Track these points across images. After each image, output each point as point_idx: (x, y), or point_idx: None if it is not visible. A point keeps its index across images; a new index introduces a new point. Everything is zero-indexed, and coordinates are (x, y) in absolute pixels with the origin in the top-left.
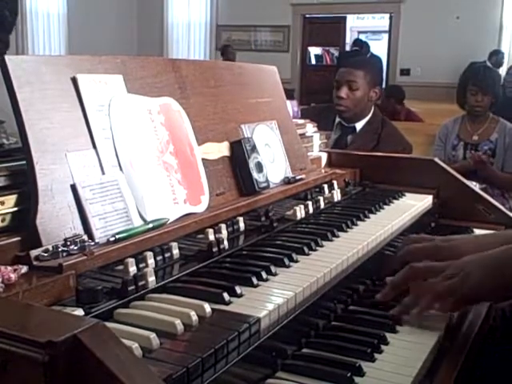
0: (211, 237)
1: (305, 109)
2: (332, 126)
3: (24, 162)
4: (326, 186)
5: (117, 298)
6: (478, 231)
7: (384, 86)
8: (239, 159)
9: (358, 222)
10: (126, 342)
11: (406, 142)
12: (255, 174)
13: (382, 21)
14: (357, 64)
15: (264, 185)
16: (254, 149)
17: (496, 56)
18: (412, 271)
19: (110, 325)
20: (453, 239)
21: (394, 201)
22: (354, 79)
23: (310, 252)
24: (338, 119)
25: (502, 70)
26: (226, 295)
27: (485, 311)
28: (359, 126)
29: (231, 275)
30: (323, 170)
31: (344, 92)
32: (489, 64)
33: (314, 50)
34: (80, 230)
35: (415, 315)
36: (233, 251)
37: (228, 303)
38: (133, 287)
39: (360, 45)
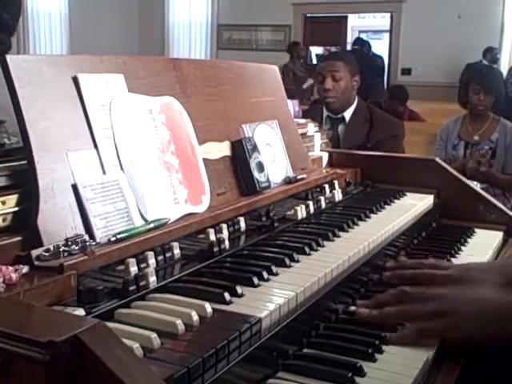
0: (212, 237)
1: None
2: (320, 122)
3: (25, 162)
4: (327, 186)
5: (118, 298)
6: (479, 231)
7: (386, 86)
8: (240, 159)
9: (359, 222)
10: (126, 342)
11: (398, 122)
12: (256, 174)
13: (383, 20)
14: (336, 56)
15: (265, 184)
16: (254, 148)
17: (490, 53)
18: (400, 294)
19: (110, 325)
20: (470, 268)
21: (395, 201)
22: (336, 69)
23: (311, 252)
24: (325, 113)
25: (503, 68)
26: (226, 295)
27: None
28: (348, 115)
29: (232, 275)
30: (324, 170)
31: (329, 83)
32: (485, 62)
33: (315, 50)
34: (81, 229)
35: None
36: (234, 251)
37: (229, 303)
38: (134, 287)
39: (361, 44)
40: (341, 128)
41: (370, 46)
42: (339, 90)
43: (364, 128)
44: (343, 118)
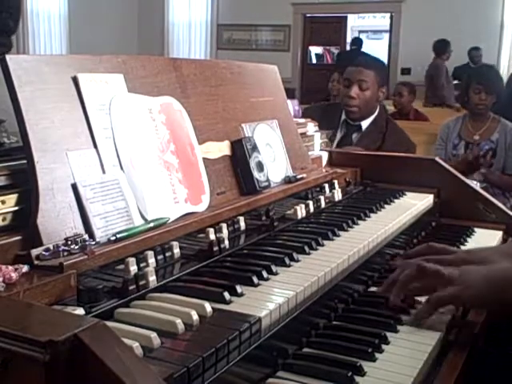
0: (212, 236)
1: (308, 108)
2: (337, 123)
3: (25, 162)
4: (326, 186)
5: (117, 298)
6: (479, 230)
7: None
8: (240, 158)
9: (359, 222)
10: (126, 341)
11: (411, 143)
12: (256, 174)
13: (382, 20)
14: (368, 64)
15: (265, 184)
16: (254, 148)
17: (470, 54)
18: (420, 269)
19: (110, 324)
20: (474, 251)
21: (395, 200)
22: (364, 79)
23: (311, 251)
24: (343, 117)
25: (503, 68)
26: (226, 294)
27: (486, 311)
28: (365, 124)
29: (232, 274)
30: (324, 170)
31: (354, 91)
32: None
33: (315, 50)
34: (81, 229)
35: (417, 316)
36: (233, 250)
37: (229, 302)
38: (133, 286)
39: (359, 44)
40: (355, 136)
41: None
42: (363, 100)
43: (376, 142)
44: (360, 126)
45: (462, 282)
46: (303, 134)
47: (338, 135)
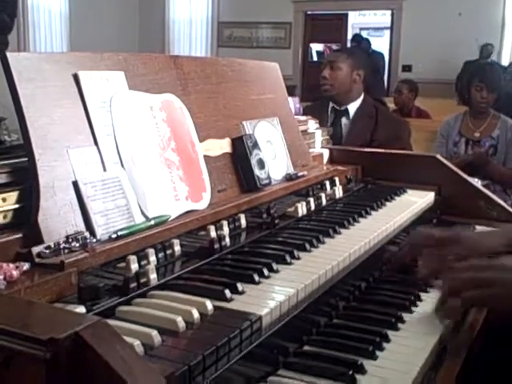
0: (213, 234)
1: (306, 107)
2: (326, 114)
3: (25, 159)
4: (327, 183)
5: (118, 296)
6: (479, 228)
7: (386, 83)
8: (241, 156)
9: (360, 219)
10: (127, 339)
11: (404, 122)
12: (257, 171)
13: (383, 17)
14: (341, 49)
15: (266, 181)
16: (255, 145)
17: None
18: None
19: (111, 322)
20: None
21: (396, 197)
22: (334, 59)
23: (312, 249)
24: (330, 105)
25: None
26: (227, 292)
27: (486, 309)
28: (352, 109)
29: (233, 272)
30: (325, 167)
31: (326, 72)
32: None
33: (316, 47)
34: (82, 227)
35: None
36: (234, 248)
37: (230, 300)
38: (134, 284)
39: (359, 40)
40: (344, 121)
41: (369, 43)
42: (336, 80)
43: (369, 126)
44: (347, 110)
45: (502, 284)
46: (304, 132)
47: (329, 123)
